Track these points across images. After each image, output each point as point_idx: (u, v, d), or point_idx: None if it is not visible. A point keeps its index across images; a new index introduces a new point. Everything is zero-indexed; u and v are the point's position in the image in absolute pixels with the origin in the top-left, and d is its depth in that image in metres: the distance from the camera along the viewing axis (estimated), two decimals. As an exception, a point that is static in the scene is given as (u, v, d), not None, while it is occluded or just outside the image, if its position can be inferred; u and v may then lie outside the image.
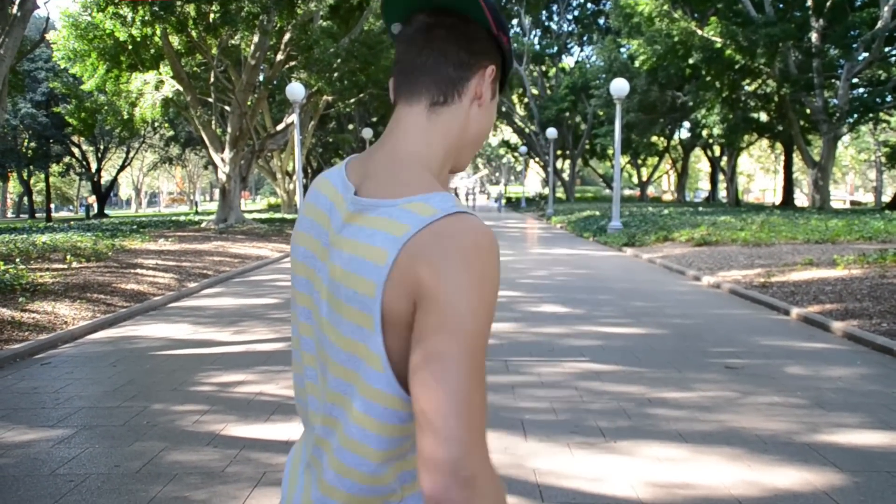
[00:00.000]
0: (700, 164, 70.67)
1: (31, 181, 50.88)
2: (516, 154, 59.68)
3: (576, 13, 48.74)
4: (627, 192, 64.42)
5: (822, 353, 6.51)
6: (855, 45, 27.20)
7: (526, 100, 50.69)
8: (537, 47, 48.10)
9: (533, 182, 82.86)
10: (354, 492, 0.99)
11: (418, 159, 1.03)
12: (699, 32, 27.84)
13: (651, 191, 63.76)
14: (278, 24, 21.30)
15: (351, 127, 40.75)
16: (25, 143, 42.29)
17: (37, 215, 53.01)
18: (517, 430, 4.38)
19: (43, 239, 14.21)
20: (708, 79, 30.28)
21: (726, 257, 13.26)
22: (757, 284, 10.11)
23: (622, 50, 36.50)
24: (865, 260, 10.84)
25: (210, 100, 23.51)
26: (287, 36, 21.79)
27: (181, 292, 10.30)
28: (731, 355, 6.38)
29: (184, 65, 22.38)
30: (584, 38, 49.62)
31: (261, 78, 24.09)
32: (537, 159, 53.49)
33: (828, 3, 27.02)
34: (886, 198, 56.59)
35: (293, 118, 21.49)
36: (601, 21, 46.48)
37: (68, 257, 12.07)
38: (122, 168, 51.85)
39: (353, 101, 29.21)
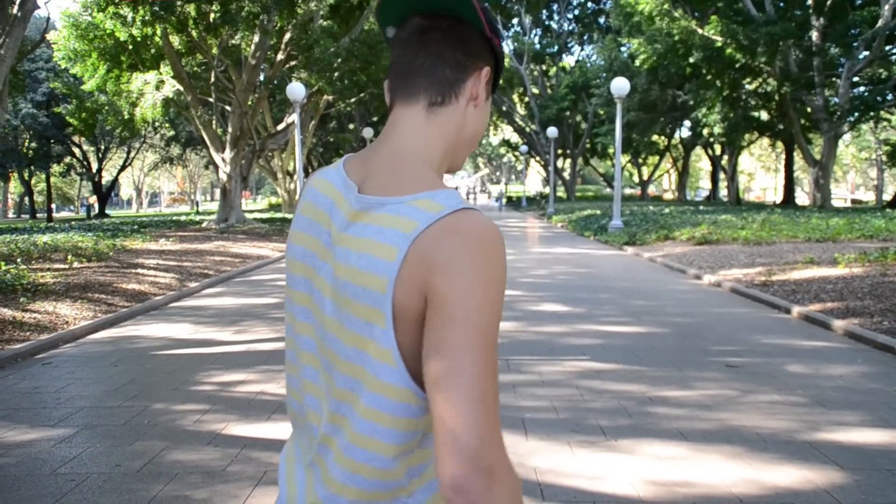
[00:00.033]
0: (701, 162, 70.66)
1: (32, 181, 50.92)
2: (517, 153, 59.65)
3: (576, 12, 48.70)
4: (628, 191, 64.41)
5: (823, 351, 6.51)
6: (855, 44, 27.18)
7: (526, 99, 50.67)
8: (538, 46, 48.02)
9: (534, 181, 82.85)
10: (365, 487, 1.00)
11: (420, 158, 1.05)
12: (700, 31, 27.82)
13: (652, 190, 63.74)
14: (279, 24, 21.31)
15: (352, 126, 40.76)
16: (26, 144, 42.32)
17: (38, 215, 53.05)
18: (518, 429, 4.38)
19: (44, 239, 14.23)
20: (708, 77, 30.26)
21: (727, 256, 13.26)
22: (758, 283, 10.11)
23: (623, 49, 36.47)
24: (866, 258, 10.83)
25: (211, 100, 23.52)
26: (287, 35, 21.80)
27: (182, 292, 10.30)
28: (732, 354, 6.38)
29: (184, 65, 22.39)
30: (585, 38, 49.58)
31: (261, 78, 24.10)
32: (538, 158, 53.45)
33: (828, 2, 26.99)
34: (887, 196, 56.57)
35: (294, 118, 21.49)
36: (601, 20, 46.45)
37: (69, 257, 12.08)
38: (123, 168, 51.87)
39: (353, 100, 29.21)
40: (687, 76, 33.20)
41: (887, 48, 27.87)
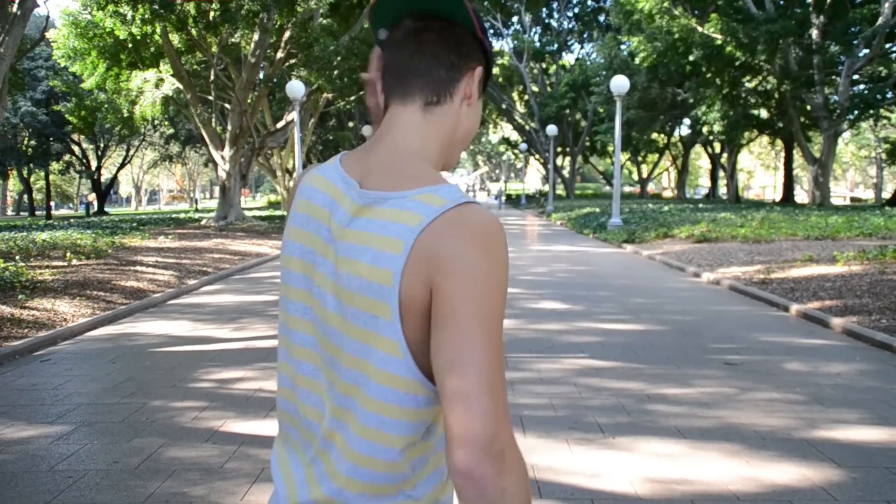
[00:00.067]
0: (700, 160, 70.64)
1: (31, 179, 50.88)
2: (516, 151, 59.71)
3: (576, 10, 48.65)
4: (627, 188, 64.35)
5: (822, 349, 6.52)
6: (855, 42, 27.16)
7: (526, 97, 50.65)
8: (537, 44, 48.00)
9: (533, 179, 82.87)
10: (372, 481, 1.01)
11: (419, 154, 1.07)
12: (699, 29, 27.81)
13: (651, 188, 63.75)
14: (278, 22, 21.28)
15: (351, 124, 40.73)
16: (25, 142, 42.31)
17: (37, 213, 53.00)
18: (516, 426, 4.38)
19: (43, 236, 14.23)
20: (708, 75, 30.25)
21: (726, 254, 13.26)
22: (756, 281, 10.11)
23: (622, 47, 36.44)
24: (865, 256, 10.83)
25: (210, 98, 23.50)
26: (287, 34, 21.77)
27: (181, 289, 10.30)
28: (731, 352, 6.38)
29: (184, 63, 22.36)
30: (585, 36, 49.53)
31: (261, 76, 24.07)
32: (537, 156, 53.46)
33: (828, 0, 26.98)
34: (886, 194, 56.52)
35: (293, 116, 21.48)
36: (601, 18, 46.41)
37: (68, 255, 12.08)
38: (122, 166, 51.88)
39: (353, 98, 29.16)
40: (687, 74, 33.18)
41: (887, 46, 27.87)
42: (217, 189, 30.80)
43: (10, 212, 68.33)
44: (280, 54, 22.47)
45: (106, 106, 24.34)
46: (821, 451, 3.97)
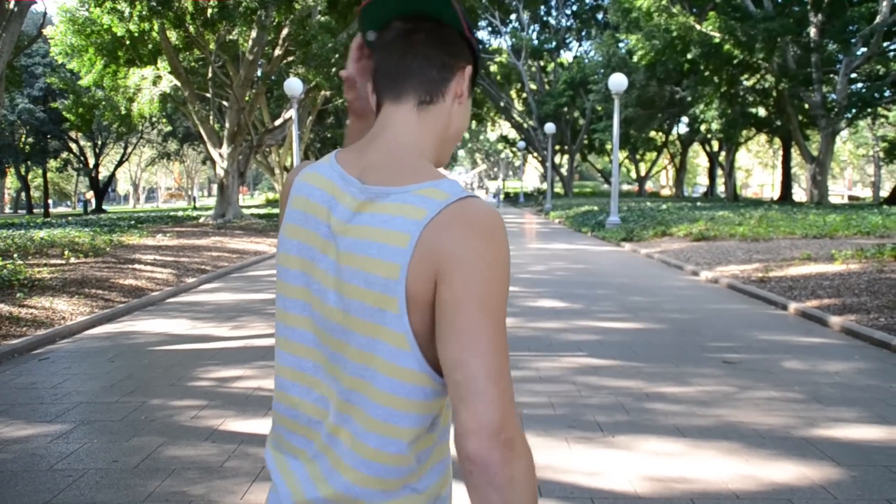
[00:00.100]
0: (698, 159, 70.62)
1: (29, 177, 50.74)
2: (514, 149, 59.66)
3: (574, 8, 48.60)
4: (626, 187, 64.32)
5: (820, 347, 6.53)
6: (853, 40, 27.16)
7: (524, 95, 50.61)
8: (535, 42, 47.95)
9: (531, 177, 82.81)
10: (381, 475, 1.02)
11: (416, 151, 1.08)
12: (697, 27, 27.80)
13: (649, 186, 63.69)
14: (276, 20, 21.25)
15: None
16: (23, 139, 42.19)
17: (34, 211, 52.90)
18: (515, 425, 4.37)
19: (41, 234, 14.21)
20: (706, 74, 30.24)
21: (724, 252, 13.28)
22: (755, 279, 10.13)
23: (620, 45, 36.42)
24: (863, 255, 10.85)
25: (208, 95, 23.46)
26: (285, 31, 21.73)
27: (179, 287, 10.30)
28: (729, 350, 6.39)
29: (181, 60, 22.31)
30: (583, 33, 49.46)
31: (259, 73, 24.03)
32: (535, 154, 53.41)
33: (826, -2, 27.01)
34: (884, 193, 56.58)
35: (291, 113, 21.45)
36: (599, 16, 46.37)
37: (66, 253, 12.06)
38: (120, 163, 51.76)
39: (351, 96, 29.10)
40: (685, 72, 33.18)
41: (885, 44, 27.87)
42: (215, 187, 30.77)
43: (7, 209, 68.18)
44: (278, 52, 22.43)
45: (104, 103, 24.30)
46: (820, 449, 3.98)
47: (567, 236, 20.33)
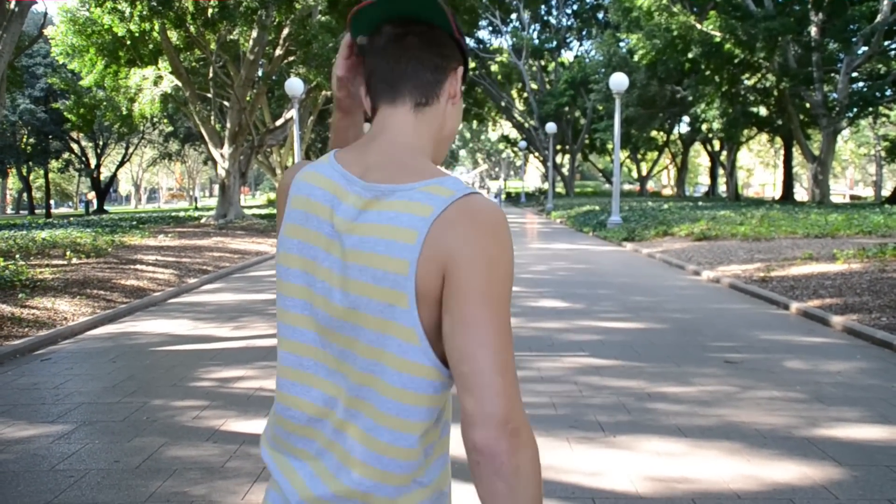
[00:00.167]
0: (700, 158, 70.58)
1: (31, 177, 50.81)
2: (516, 149, 59.64)
3: (575, 7, 48.58)
4: (627, 186, 64.25)
5: (822, 347, 6.52)
6: (854, 39, 27.13)
7: (525, 94, 50.58)
8: (536, 42, 47.93)
9: (532, 177, 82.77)
10: (391, 469, 1.03)
11: (418, 150, 1.11)
12: (698, 26, 27.78)
13: (651, 185, 63.61)
14: (277, 19, 21.24)
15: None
16: (24, 140, 42.21)
17: (36, 211, 52.92)
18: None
19: (42, 235, 14.22)
20: (707, 73, 30.21)
21: (726, 252, 13.27)
22: (756, 279, 10.12)
23: (621, 44, 36.39)
24: (865, 254, 10.83)
25: (209, 95, 23.47)
26: (286, 31, 21.74)
27: (181, 288, 10.30)
28: (731, 350, 6.38)
29: (182, 60, 22.33)
30: (584, 33, 49.44)
31: (260, 73, 24.03)
32: (537, 154, 53.44)
33: (827, -3, 26.98)
34: (886, 192, 56.51)
35: (292, 113, 21.45)
36: (600, 15, 46.33)
37: (68, 253, 12.07)
38: (122, 164, 51.78)
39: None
40: (686, 72, 33.14)
41: (886, 43, 27.84)
42: (216, 187, 30.78)
43: (9, 210, 68.23)
44: (279, 51, 22.43)
45: (105, 103, 24.30)
46: (821, 449, 3.98)
47: (568, 236, 20.33)
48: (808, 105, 29.81)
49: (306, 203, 1.10)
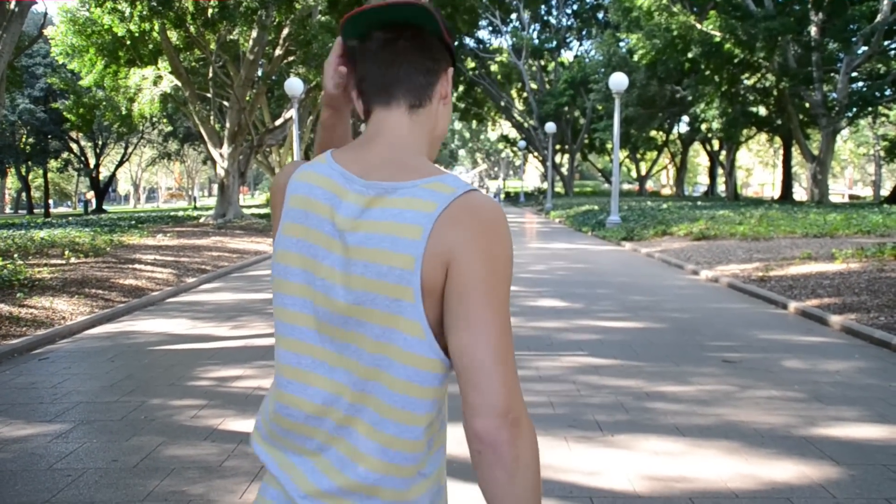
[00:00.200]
0: (699, 158, 70.57)
1: (30, 177, 50.76)
2: (515, 149, 59.62)
3: (575, 7, 48.56)
4: (626, 186, 64.21)
5: (820, 346, 6.52)
6: (854, 39, 27.12)
7: (525, 94, 50.58)
8: (536, 42, 47.92)
9: (532, 177, 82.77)
10: (398, 461, 1.05)
11: (415, 149, 1.14)
12: (698, 26, 27.77)
13: (650, 185, 63.63)
14: (277, 19, 21.24)
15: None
16: (23, 139, 42.19)
17: (35, 211, 52.92)
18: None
19: (41, 234, 14.21)
20: (707, 73, 30.19)
21: (725, 251, 13.27)
22: (755, 278, 10.12)
23: (621, 44, 36.37)
24: (864, 254, 10.83)
25: (209, 95, 23.46)
26: (285, 31, 21.74)
27: (179, 287, 10.30)
28: (729, 349, 6.38)
29: (182, 60, 22.32)
30: (583, 33, 49.41)
31: (259, 73, 24.02)
32: (536, 154, 53.40)
33: (827, -3, 26.98)
34: (885, 192, 56.53)
35: (292, 113, 21.45)
36: (600, 15, 46.31)
37: (66, 253, 12.06)
38: (121, 164, 51.73)
39: (351, 96, 29.10)
40: (685, 71, 33.13)
41: (886, 43, 27.83)
42: (215, 187, 30.77)
43: (8, 210, 68.19)
44: (278, 51, 22.43)
45: (104, 103, 24.30)
46: (819, 448, 3.98)
47: (567, 236, 20.33)
48: (807, 105, 29.80)
49: (305, 202, 1.11)
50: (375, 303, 1.04)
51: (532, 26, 49.23)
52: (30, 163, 45.20)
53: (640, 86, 34.70)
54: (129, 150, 50.87)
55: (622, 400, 4.89)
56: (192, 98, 21.98)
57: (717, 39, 27.06)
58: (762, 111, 34.88)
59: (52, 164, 47.81)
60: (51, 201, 55.16)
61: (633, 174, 58.47)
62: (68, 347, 6.82)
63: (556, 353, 6.27)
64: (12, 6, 12.51)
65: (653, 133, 44.03)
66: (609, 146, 42.93)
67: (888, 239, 13.69)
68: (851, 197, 59.46)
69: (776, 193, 51.32)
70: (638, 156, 52.27)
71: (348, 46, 1.19)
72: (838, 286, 8.86)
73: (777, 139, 42.71)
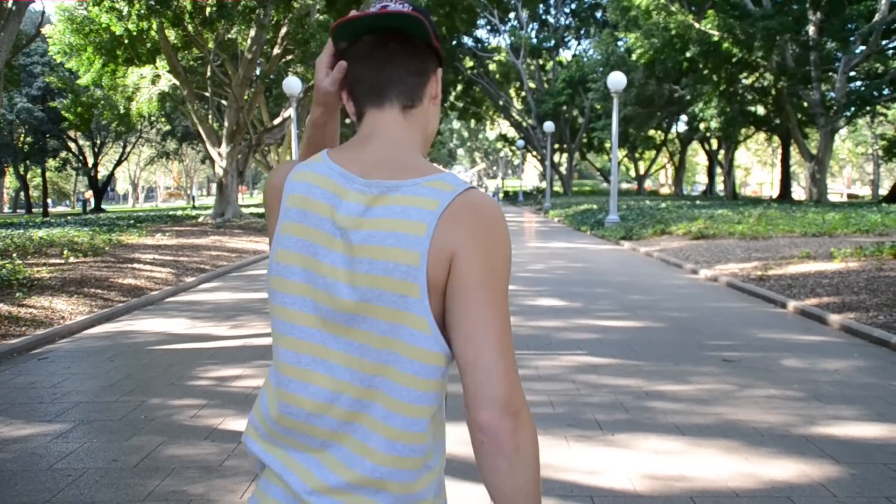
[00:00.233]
0: (697, 157, 70.60)
1: (28, 176, 50.70)
2: (513, 148, 59.61)
3: (573, 6, 48.55)
4: (625, 185, 64.24)
5: (819, 345, 6.53)
6: (852, 38, 27.14)
7: (523, 93, 50.57)
8: (534, 41, 47.88)
9: (530, 176, 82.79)
10: (406, 454, 1.07)
11: (411, 149, 1.16)
12: (696, 26, 27.78)
13: (648, 184, 63.64)
14: (275, 18, 21.23)
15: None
16: (22, 138, 42.15)
17: (33, 210, 52.84)
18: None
19: (40, 234, 14.19)
20: (705, 72, 30.21)
21: (723, 250, 13.28)
22: (754, 277, 10.13)
23: (619, 43, 36.40)
24: (862, 253, 10.85)
25: (207, 94, 23.42)
26: (284, 30, 21.72)
27: (178, 287, 10.29)
28: (728, 348, 6.39)
29: (180, 59, 22.30)
30: (582, 32, 49.41)
31: (258, 72, 24.00)
32: (535, 153, 53.39)
33: (825, -4, 26.99)
34: (883, 191, 56.58)
35: (290, 112, 21.44)
36: (598, 14, 46.29)
37: (65, 252, 12.05)
38: (119, 163, 51.72)
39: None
40: (684, 71, 33.16)
41: (884, 43, 27.84)
42: (214, 186, 30.75)
43: (6, 209, 68.09)
44: (277, 50, 22.41)
45: (102, 102, 24.28)
46: (819, 447, 3.98)
47: (566, 235, 20.34)
48: (805, 104, 29.83)
49: (304, 201, 1.11)
50: (381, 299, 1.05)
51: (530, 25, 49.22)
52: (28, 162, 45.17)
53: (638, 85, 34.71)
54: (128, 149, 50.82)
55: (622, 399, 4.89)
56: (191, 97, 21.96)
57: (716, 39, 27.08)
58: (760, 110, 34.92)
59: (51, 163, 47.76)
60: (49, 200, 55.05)
61: (632, 173, 58.50)
62: (68, 347, 6.81)
63: (555, 352, 6.27)
64: (9, 4, 12.49)
65: (651, 132, 44.08)
66: (607, 145, 42.94)
67: (887, 238, 13.70)
68: (850, 196, 59.52)
69: (775, 192, 51.34)
70: (636, 155, 52.30)
71: (339, 48, 1.21)
72: (837, 285, 8.87)
73: (775, 138, 42.72)
